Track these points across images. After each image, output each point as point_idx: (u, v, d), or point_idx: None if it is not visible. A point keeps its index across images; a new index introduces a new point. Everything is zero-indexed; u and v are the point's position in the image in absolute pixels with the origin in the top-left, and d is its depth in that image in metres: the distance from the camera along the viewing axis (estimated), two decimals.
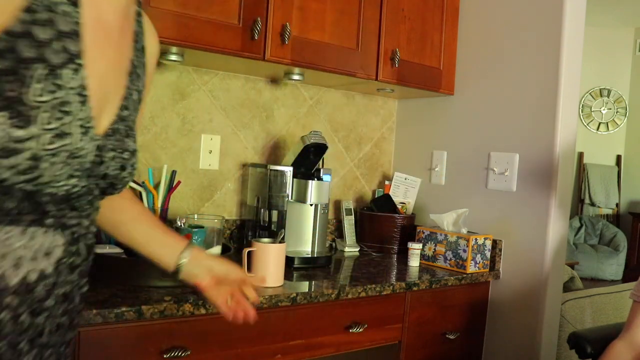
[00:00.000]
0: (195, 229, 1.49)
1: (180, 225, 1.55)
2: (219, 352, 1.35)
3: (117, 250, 1.48)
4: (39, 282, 0.75)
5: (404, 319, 1.72)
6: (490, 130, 2.03)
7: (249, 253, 1.49)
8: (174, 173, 1.75)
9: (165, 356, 1.25)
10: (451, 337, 1.83)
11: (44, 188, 0.72)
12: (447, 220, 1.96)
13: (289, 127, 2.13)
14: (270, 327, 1.43)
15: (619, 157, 6.75)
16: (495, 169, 2.00)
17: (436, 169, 2.22)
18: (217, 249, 1.58)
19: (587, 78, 6.39)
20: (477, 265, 1.89)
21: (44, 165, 0.70)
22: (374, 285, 1.60)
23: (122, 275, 1.35)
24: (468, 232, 1.96)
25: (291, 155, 1.87)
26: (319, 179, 1.85)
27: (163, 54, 1.58)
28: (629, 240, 6.20)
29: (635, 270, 5.74)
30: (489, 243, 1.94)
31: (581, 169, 6.64)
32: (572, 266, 4.45)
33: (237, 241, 1.97)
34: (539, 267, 1.85)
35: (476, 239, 1.88)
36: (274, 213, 1.81)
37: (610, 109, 6.75)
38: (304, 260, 1.77)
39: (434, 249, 1.96)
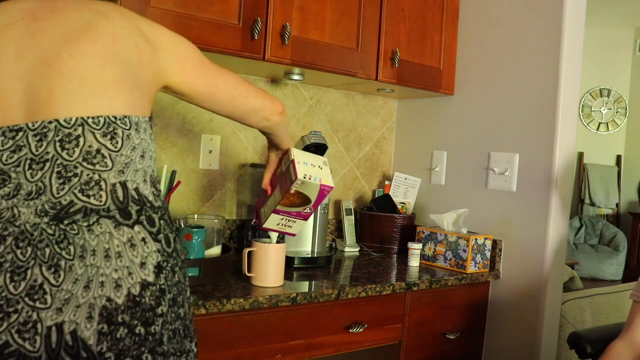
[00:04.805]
0: (195, 229, 1.48)
1: (180, 225, 1.55)
2: (219, 352, 1.35)
3: None
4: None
5: (403, 319, 1.72)
6: (490, 130, 2.03)
7: (249, 253, 1.49)
8: (174, 173, 1.74)
9: None
10: (451, 337, 1.83)
11: None
12: (447, 220, 1.96)
13: (289, 127, 2.12)
14: (270, 327, 1.43)
15: (619, 157, 6.75)
16: (495, 169, 2.00)
17: (436, 169, 2.22)
18: (217, 249, 1.58)
19: (587, 78, 6.40)
20: (477, 265, 1.89)
21: None
22: (374, 285, 1.60)
23: None
24: (468, 232, 1.96)
25: None
26: None
27: None
28: (629, 240, 6.20)
29: (635, 270, 5.75)
30: (489, 243, 1.94)
31: (581, 169, 6.64)
32: (572, 266, 4.45)
33: (237, 241, 1.96)
34: (539, 267, 1.85)
35: (476, 239, 1.88)
36: None
37: (610, 109, 6.74)
38: (304, 260, 1.77)
39: (434, 249, 1.96)
